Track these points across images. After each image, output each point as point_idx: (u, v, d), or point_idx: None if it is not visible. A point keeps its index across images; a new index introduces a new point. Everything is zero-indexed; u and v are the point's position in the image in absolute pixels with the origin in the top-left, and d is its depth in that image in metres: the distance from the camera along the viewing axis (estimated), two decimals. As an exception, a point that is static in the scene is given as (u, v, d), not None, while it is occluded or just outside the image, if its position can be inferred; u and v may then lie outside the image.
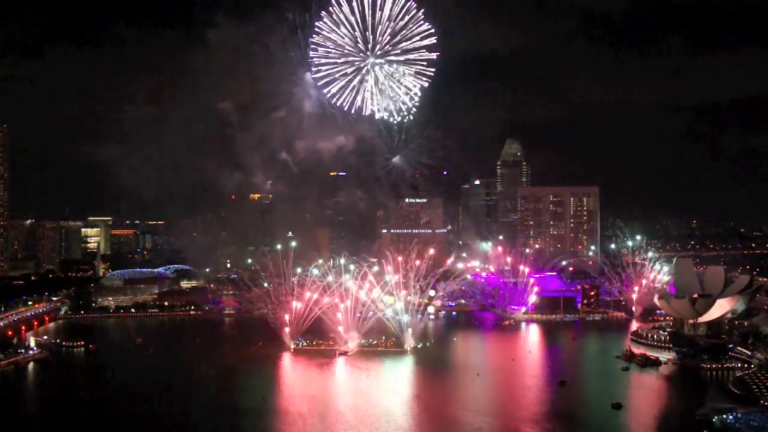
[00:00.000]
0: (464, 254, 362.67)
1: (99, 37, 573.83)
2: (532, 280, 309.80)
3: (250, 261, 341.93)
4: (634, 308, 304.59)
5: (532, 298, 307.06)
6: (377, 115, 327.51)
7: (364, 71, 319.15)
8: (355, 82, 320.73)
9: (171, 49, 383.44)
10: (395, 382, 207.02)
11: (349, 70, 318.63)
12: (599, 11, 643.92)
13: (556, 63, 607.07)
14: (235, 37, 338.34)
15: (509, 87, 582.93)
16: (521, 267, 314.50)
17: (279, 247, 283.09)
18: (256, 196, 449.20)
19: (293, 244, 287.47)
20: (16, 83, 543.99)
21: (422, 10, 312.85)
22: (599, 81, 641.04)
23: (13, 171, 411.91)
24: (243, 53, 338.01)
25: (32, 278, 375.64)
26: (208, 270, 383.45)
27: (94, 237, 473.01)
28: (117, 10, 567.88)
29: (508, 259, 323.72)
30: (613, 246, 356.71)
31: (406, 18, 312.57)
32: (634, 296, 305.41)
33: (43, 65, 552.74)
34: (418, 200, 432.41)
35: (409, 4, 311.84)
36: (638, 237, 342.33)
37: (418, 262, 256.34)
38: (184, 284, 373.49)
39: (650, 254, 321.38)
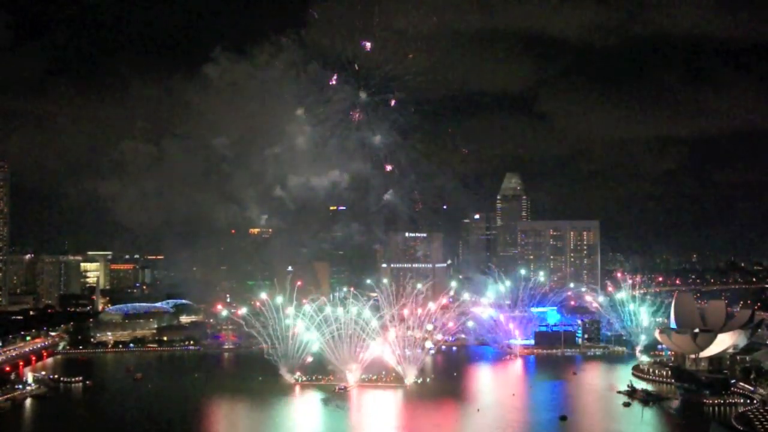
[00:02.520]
0: (461, 277, 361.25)
1: (99, 72, 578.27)
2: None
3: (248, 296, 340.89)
4: (635, 343, 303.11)
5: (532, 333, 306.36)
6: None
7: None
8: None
9: (170, 85, 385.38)
10: (395, 418, 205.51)
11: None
12: (596, 47, 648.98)
13: (555, 98, 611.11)
14: (232, 73, 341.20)
15: (508, 122, 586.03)
16: (521, 301, 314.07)
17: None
18: (256, 230, 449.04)
19: (289, 277, 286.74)
20: (16, 119, 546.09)
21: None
22: (598, 115, 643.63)
23: (13, 205, 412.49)
24: (239, 89, 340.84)
25: (31, 313, 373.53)
26: (207, 304, 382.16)
27: (93, 272, 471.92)
28: (117, 46, 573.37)
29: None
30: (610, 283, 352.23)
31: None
32: (636, 331, 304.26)
33: (43, 101, 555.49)
34: (418, 234, 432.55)
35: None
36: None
37: (420, 287, 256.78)
38: (183, 319, 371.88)
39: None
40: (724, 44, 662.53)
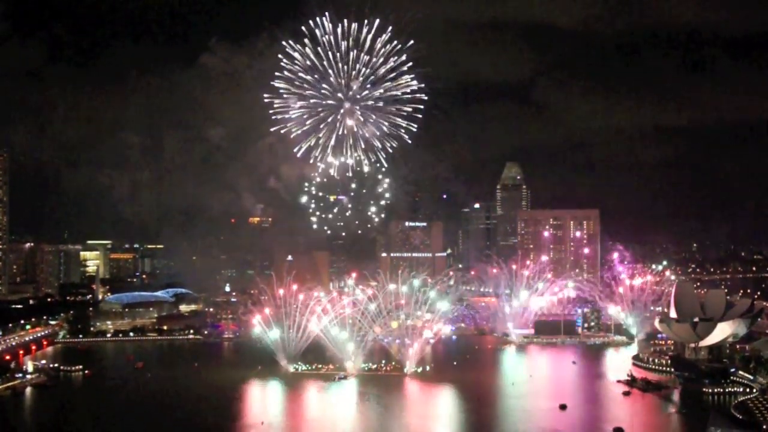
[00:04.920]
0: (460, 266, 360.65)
1: (97, 62, 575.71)
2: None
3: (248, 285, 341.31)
4: (635, 332, 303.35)
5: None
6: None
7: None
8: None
9: (167, 75, 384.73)
10: (395, 406, 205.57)
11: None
12: (595, 37, 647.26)
13: (554, 88, 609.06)
14: (228, 63, 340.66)
15: (507, 111, 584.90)
16: (521, 290, 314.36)
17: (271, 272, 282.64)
18: (256, 219, 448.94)
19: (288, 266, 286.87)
20: (16, 108, 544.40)
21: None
22: (597, 105, 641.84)
23: (13, 194, 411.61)
24: (235, 78, 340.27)
25: (31, 302, 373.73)
26: (207, 294, 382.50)
27: (93, 261, 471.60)
28: (115, 35, 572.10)
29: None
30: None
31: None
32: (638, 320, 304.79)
33: (42, 90, 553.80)
34: (417, 224, 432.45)
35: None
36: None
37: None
38: (183, 308, 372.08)
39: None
40: (723, 34, 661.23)
